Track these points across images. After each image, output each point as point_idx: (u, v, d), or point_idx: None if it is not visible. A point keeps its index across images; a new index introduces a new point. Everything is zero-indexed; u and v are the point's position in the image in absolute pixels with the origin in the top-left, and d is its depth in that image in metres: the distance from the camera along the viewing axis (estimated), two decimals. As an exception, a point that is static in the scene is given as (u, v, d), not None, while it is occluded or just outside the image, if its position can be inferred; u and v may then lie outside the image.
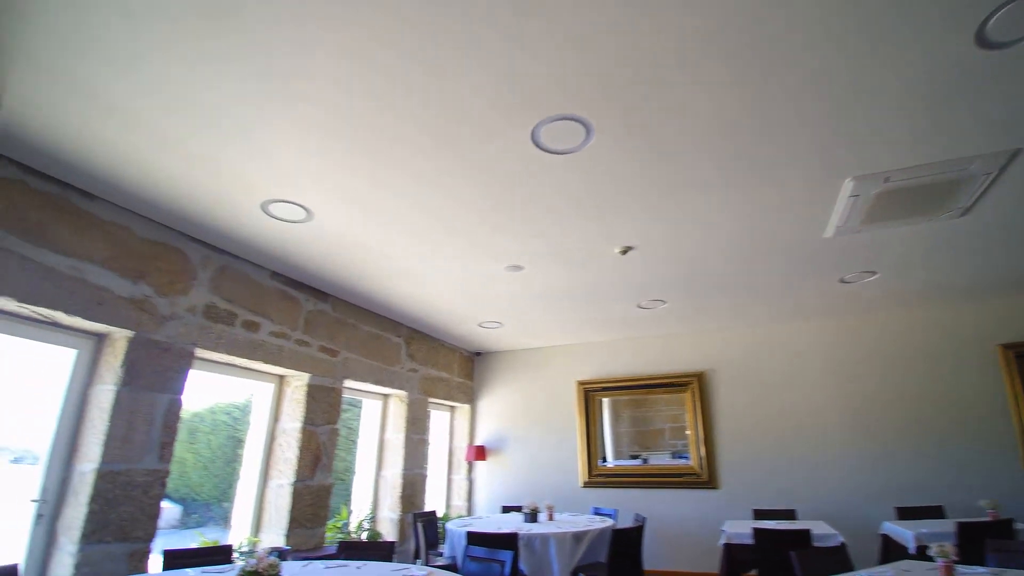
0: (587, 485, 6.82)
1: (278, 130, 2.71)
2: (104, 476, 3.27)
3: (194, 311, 3.87)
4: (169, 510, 14.60)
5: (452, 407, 7.76)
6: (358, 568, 3.00)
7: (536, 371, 7.59)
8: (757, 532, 4.05)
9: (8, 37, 2.15)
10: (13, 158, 2.94)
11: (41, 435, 3.33)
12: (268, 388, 4.85)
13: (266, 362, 4.41)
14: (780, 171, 3.10)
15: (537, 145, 2.82)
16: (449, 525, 4.97)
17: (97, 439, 3.30)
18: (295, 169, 3.06)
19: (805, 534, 3.93)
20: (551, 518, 5.20)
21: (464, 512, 7.27)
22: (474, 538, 4.15)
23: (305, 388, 4.82)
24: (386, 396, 6.36)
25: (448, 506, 7.40)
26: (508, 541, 4.07)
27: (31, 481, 3.27)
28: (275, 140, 2.79)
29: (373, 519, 5.96)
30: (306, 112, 2.57)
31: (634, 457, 6.87)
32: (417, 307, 5.66)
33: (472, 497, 7.44)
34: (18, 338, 3.25)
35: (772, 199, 3.43)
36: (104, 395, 3.39)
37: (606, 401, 7.19)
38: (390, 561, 3.40)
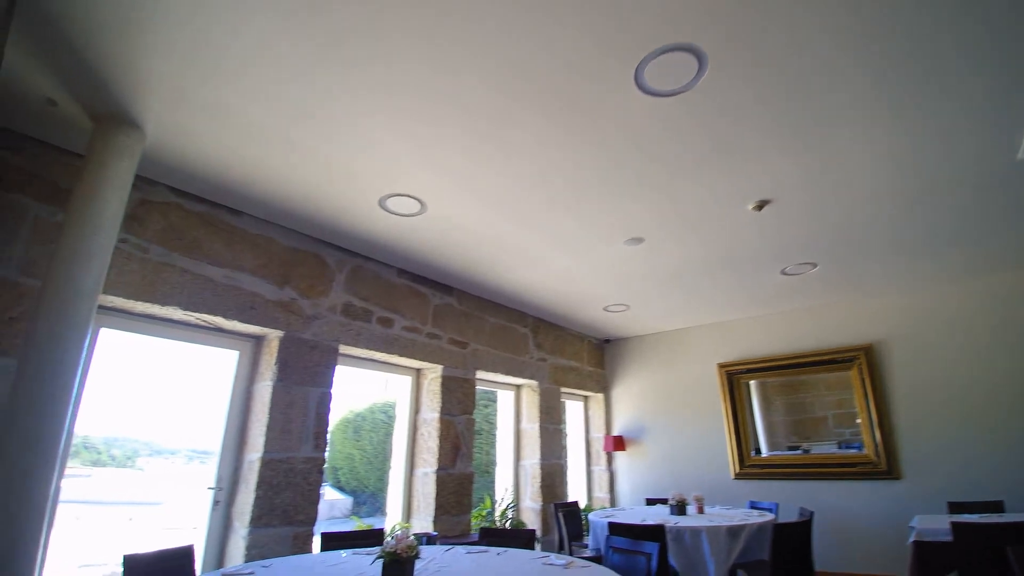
0: (740, 477, 6.24)
1: (392, 125, 2.75)
2: (267, 464, 3.59)
3: (334, 310, 4.13)
4: (341, 501, 16.14)
5: (585, 396, 7.58)
6: (498, 555, 2.95)
7: (671, 355, 7.14)
8: (957, 527, 3.35)
9: (153, 71, 2.40)
10: (167, 184, 3.33)
11: (215, 429, 3.76)
12: (407, 381, 5.06)
13: (401, 355, 4.59)
14: (949, 86, 2.50)
15: (643, 89, 2.54)
16: (592, 516, 4.80)
17: (260, 431, 3.64)
18: (408, 162, 3.10)
19: (1022, 528, 3.17)
20: (701, 511, 4.81)
21: (606, 504, 7.04)
22: (617, 529, 3.94)
23: (439, 379, 4.96)
24: (518, 386, 6.36)
25: (590, 497, 7.23)
26: (654, 533, 3.80)
27: (209, 471, 3.70)
28: (388, 135, 2.85)
29: (516, 508, 5.98)
30: (417, 103, 2.59)
31: (792, 448, 6.15)
32: (539, 295, 5.57)
33: (614, 488, 7.19)
34: (190, 344, 3.69)
35: (940, 121, 2.78)
36: (263, 391, 3.73)
37: (753, 385, 6.52)
38: (532, 549, 3.31)
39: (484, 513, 5.42)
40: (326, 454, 3.94)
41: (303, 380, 3.85)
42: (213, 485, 3.62)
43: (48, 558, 2.93)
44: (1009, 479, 4.82)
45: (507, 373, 5.77)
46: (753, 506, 5.26)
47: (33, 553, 2.28)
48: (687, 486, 6.37)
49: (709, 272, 4.99)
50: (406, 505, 4.83)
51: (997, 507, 4.47)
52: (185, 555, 2.82)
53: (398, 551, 2.27)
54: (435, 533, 4.47)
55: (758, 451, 6.30)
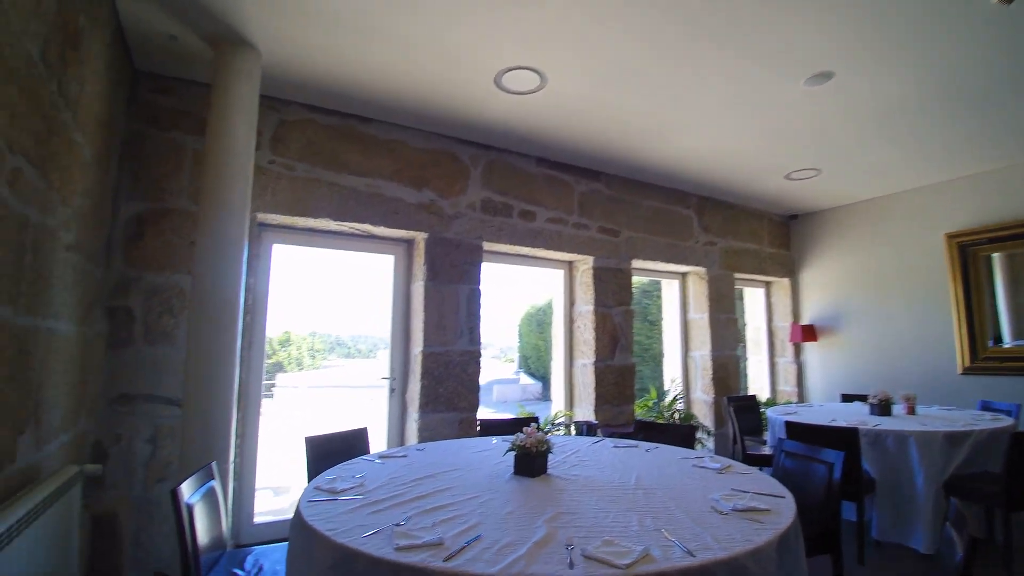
0: (969, 372, 5.07)
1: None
2: (428, 357, 3.83)
3: (474, 207, 4.08)
4: (532, 385, 17.65)
5: (767, 282, 6.73)
6: (647, 451, 2.79)
7: (878, 228, 5.85)
8: None
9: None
10: (299, 101, 3.43)
11: (386, 327, 4.09)
12: (559, 274, 4.95)
13: (548, 248, 4.45)
14: None
15: None
16: (770, 412, 4.36)
17: (419, 327, 3.87)
18: (522, 31, 2.71)
19: None
20: (911, 411, 4.05)
21: (793, 398, 6.41)
22: (796, 430, 3.49)
23: (591, 271, 4.74)
24: (683, 275, 5.86)
25: (774, 391, 6.64)
26: (845, 437, 3.28)
27: (384, 364, 4.10)
28: (498, 5, 2.48)
29: (686, 401, 5.75)
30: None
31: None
32: (703, 169, 4.85)
33: (803, 382, 6.48)
34: (351, 252, 3.97)
35: None
36: (417, 291, 3.92)
37: (997, 259, 5.06)
38: (690, 446, 3.08)
39: (650, 403, 5.30)
40: (481, 347, 4.08)
41: (451, 278, 3.94)
42: (388, 375, 4.03)
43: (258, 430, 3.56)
44: None
45: (668, 261, 5.30)
46: (986, 407, 4.27)
47: (226, 425, 2.75)
48: (899, 382, 5.42)
49: (928, 112, 3.75)
50: (568, 395, 4.91)
51: None
52: (360, 436, 3.20)
53: (527, 445, 2.23)
54: (596, 422, 4.49)
55: (998, 340, 5.01)
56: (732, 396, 5.17)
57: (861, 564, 3.20)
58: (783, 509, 1.77)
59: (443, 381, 3.87)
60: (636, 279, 5.62)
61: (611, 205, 4.92)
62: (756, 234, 6.25)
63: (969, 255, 5.16)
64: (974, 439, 3.28)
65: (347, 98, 3.43)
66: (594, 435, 4.37)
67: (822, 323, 6.30)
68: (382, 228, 3.73)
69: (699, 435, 5.26)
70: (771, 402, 6.23)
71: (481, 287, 4.10)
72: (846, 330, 6.08)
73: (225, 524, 2.29)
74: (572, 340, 4.92)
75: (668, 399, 5.31)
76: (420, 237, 3.92)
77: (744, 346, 7.19)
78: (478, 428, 3.65)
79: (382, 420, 4.02)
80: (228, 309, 2.73)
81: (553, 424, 4.45)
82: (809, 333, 6.21)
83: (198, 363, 2.69)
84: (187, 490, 1.99)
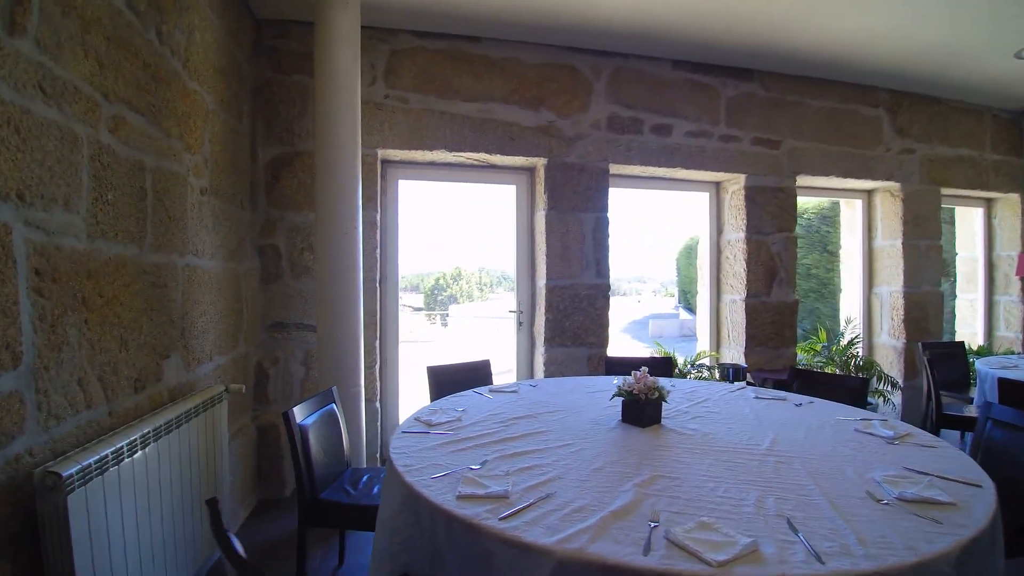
0: None
1: None
2: (552, 291, 3.64)
3: (598, 126, 3.67)
4: (690, 320, 16.85)
5: (988, 199, 5.24)
6: (797, 406, 2.33)
7: None
8: None
9: None
10: (406, 28, 3.27)
11: (512, 260, 3.96)
12: (704, 198, 4.34)
13: (687, 167, 3.87)
14: None
15: None
16: (980, 364, 3.46)
17: (542, 259, 3.67)
18: None
19: None
20: None
21: (1017, 347, 5.05)
22: (1012, 389, 2.68)
23: (742, 192, 4.06)
24: (869, 192, 4.78)
25: (990, 338, 5.30)
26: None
27: (512, 297, 4.00)
28: None
29: (866, 345, 4.85)
30: None
31: None
32: (895, 51, 3.75)
33: (1036, 326, 5.06)
34: (476, 184, 3.85)
35: None
36: (540, 221, 3.70)
37: None
38: (860, 404, 2.52)
39: (818, 347, 4.54)
40: (610, 280, 3.77)
41: (574, 206, 3.64)
42: (515, 309, 3.94)
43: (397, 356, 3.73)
44: None
45: (847, 175, 4.32)
46: None
47: (354, 350, 2.87)
48: None
49: None
50: (714, 334, 4.41)
51: None
52: (482, 367, 3.18)
53: (635, 391, 1.96)
54: (744, 366, 3.97)
55: None
56: (929, 342, 4.21)
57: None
58: (975, 505, 1.30)
59: (569, 315, 3.67)
60: (806, 200, 4.74)
61: (769, 109, 4.08)
62: (973, 136, 4.81)
63: None
64: None
65: (453, 18, 3.19)
66: (741, 380, 3.89)
67: (1073, 250, 4.77)
68: (499, 156, 3.52)
69: (883, 387, 4.42)
70: (984, 351, 4.99)
71: (608, 215, 3.74)
72: (1114, 258, 4.52)
73: (347, 444, 2.42)
74: (720, 273, 4.35)
75: (843, 343, 4.49)
76: (540, 163, 3.64)
77: (953, 281, 5.81)
78: (605, 367, 3.42)
79: (512, 353, 3.99)
80: (346, 242, 2.79)
81: (693, 366, 4.04)
82: (1051, 263, 4.75)
83: (324, 293, 2.83)
84: (300, 413, 2.11)
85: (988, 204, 5.32)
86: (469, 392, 2.58)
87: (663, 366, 3.28)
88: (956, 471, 1.52)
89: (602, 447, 1.75)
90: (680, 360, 4.07)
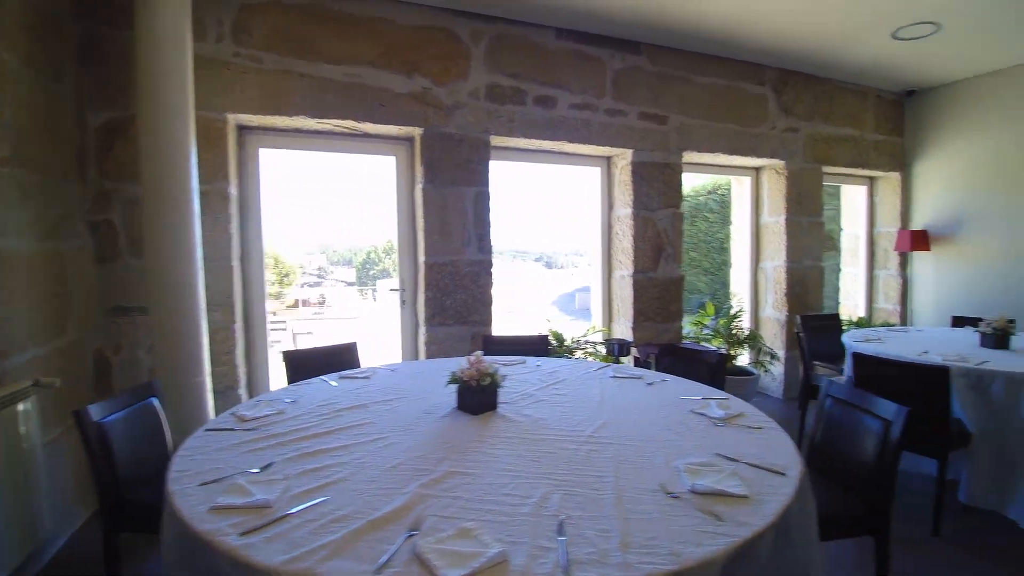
0: None
1: None
2: (432, 268, 3.48)
3: (477, 95, 3.48)
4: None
5: (870, 178, 5.51)
6: (649, 385, 2.31)
7: (1020, 105, 4.42)
8: None
9: None
10: None
11: (395, 236, 3.75)
12: (595, 172, 4.28)
13: (573, 141, 3.77)
14: None
15: None
16: (847, 338, 3.62)
17: (422, 235, 3.49)
18: None
19: None
20: (1037, 342, 3.12)
21: (895, 319, 5.39)
22: (865, 364, 2.78)
23: (629, 167, 4.02)
24: (757, 170, 4.89)
25: (870, 310, 5.64)
26: (929, 378, 2.54)
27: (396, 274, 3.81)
28: None
29: (753, 318, 5.02)
30: None
31: None
32: (780, 29, 3.79)
33: (908, 301, 5.41)
34: (344, 153, 3.57)
35: None
36: (418, 195, 3.50)
37: None
38: (719, 379, 2.54)
39: (706, 321, 4.65)
40: (492, 256, 3.65)
41: (454, 179, 3.47)
42: (397, 287, 3.75)
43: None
44: None
45: (734, 152, 4.38)
46: None
47: (195, 336, 2.62)
48: (1034, 301, 4.31)
49: None
50: (606, 310, 4.41)
51: None
52: (348, 351, 2.99)
53: (466, 378, 1.84)
54: (630, 340, 4.00)
55: None
56: (807, 315, 4.39)
57: (936, 535, 2.57)
58: (769, 498, 1.25)
59: (450, 293, 3.53)
60: (699, 177, 4.79)
61: (656, 84, 4.04)
62: (857, 117, 5.01)
63: None
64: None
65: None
66: (626, 355, 3.91)
67: (938, 229, 5.10)
68: (369, 124, 3.28)
69: (763, 358, 4.59)
70: (864, 322, 5.30)
71: (491, 189, 3.59)
72: (969, 237, 4.87)
73: (170, 440, 2.19)
74: (610, 248, 4.32)
75: (727, 317, 4.62)
76: (416, 133, 3.43)
77: (840, 256, 6.12)
78: (483, 345, 3.31)
79: (396, 333, 3.82)
80: (177, 216, 2.50)
81: (577, 343, 4.01)
82: (920, 240, 5.07)
83: (155, 274, 2.54)
84: (99, 411, 1.87)
85: (871, 182, 5.59)
86: (317, 380, 2.40)
87: (539, 344, 3.21)
88: (768, 457, 1.49)
89: (417, 440, 1.63)
90: (569, 337, 4.04)
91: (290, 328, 11.36)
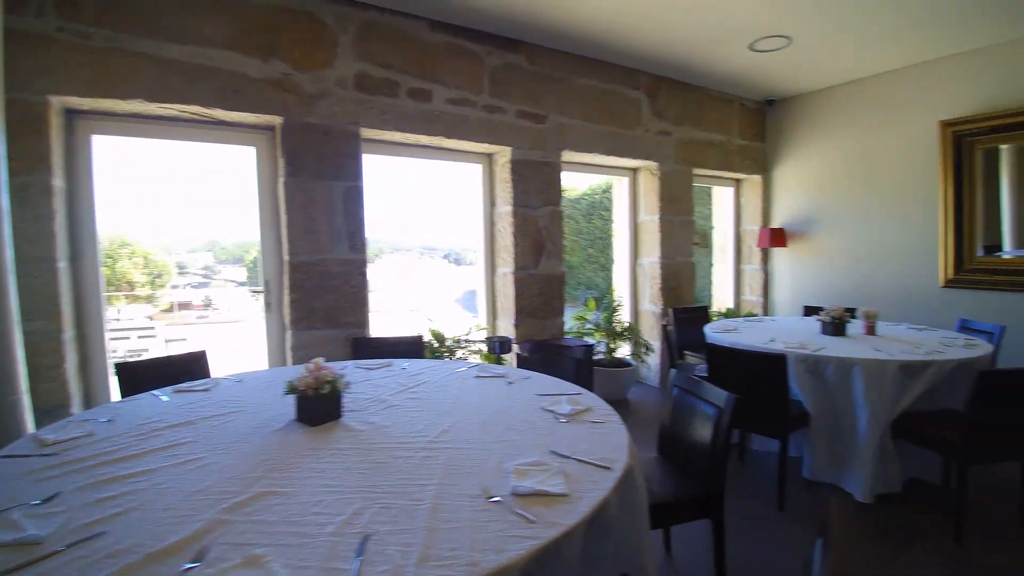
0: (951, 285, 4.47)
1: None
2: (297, 268, 3.27)
3: (344, 84, 3.32)
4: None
5: (736, 180, 5.97)
6: (509, 384, 2.30)
7: (863, 116, 5.00)
8: None
9: None
10: None
11: (257, 233, 3.48)
12: (477, 169, 4.25)
13: (450, 137, 3.71)
14: None
15: None
16: (709, 328, 3.84)
17: (284, 232, 3.28)
18: None
19: None
20: (870, 331, 3.50)
21: (759, 310, 5.88)
22: (716, 354, 2.97)
23: (509, 165, 4.03)
24: (634, 170, 5.11)
25: (738, 302, 6.11)
26: (770, 365, 2.76)
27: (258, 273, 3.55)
28: None
29: (633, 312, 5.24)
30: None
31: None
32: (653, 37, 3.97)
33: (769, 293, 5.92)
34: (196, 142, 3.26)
35: None
36: (280, 189, 3.28)
37: (1005, 152, 4.26)
38: (585, 372, 2.59)
39: (588, 316, 4.79)
40: (367, 255, 3.51)
41: (320, 173, 3.28)
42: (260, 288, 3.50)
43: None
44: None
45: (610, 153, 4.54)
46: (964, 327, 3.71)
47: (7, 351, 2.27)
48: (874, 295, 4.87)
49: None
50: (490, 307, 4.40)
51: None
52: (195, 360, 2.73)
53: (302, 387, 1.72)
54: (511, 338, 4.01)
55: (993, 249, 4.34)
56: (680, 308, 4.66)
57: (781, 510, 2.80)
58: (588, 494, 1.26)
59: (319, 295, 3.34)
60: (596, 176, 4.95)
61: (535, 83, 4.08)
62: (724, 123, 5.39)
63: (965, 147, 4.36)
64: (936, 370, 2.73)
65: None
66: (508, 352, 3.93)
67: (794, 227, 5.62)
68: (220, 111, 3.01)
69: (639, 350, 4.81)
70: (732, 313, 5.72)
71: (363, 183, 3.44)
72: (820, 235, 5.41)
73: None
74: (494, 246, 4.32)
75: (608, 311, 4.79)
76: (276, 122, 3.20)
77: (710, 252, 6.57)
78: (351, 350, 3.17)
79: (261, 339, 3.55)
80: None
81: (458, 342, 3.97)
82: (778, 237, 5.56)
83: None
84: None
85: (737, 184, 6.04)
86: (147, 394, 2.16)
87: (414, 345, 3.14)
88: (601, 451, 1.51)
89: (236, 459, 1.49)
90: (451, 336, 3.98)
91: (161, 335, 10.32)
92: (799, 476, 3.08)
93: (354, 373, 2.45)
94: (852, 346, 3.14)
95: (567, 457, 1.47)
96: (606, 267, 10.33)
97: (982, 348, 3.00)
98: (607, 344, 4.71)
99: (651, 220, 5.00)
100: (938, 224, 4.51)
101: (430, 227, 6.87)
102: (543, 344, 3.09)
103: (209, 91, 2.92)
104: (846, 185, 5.17)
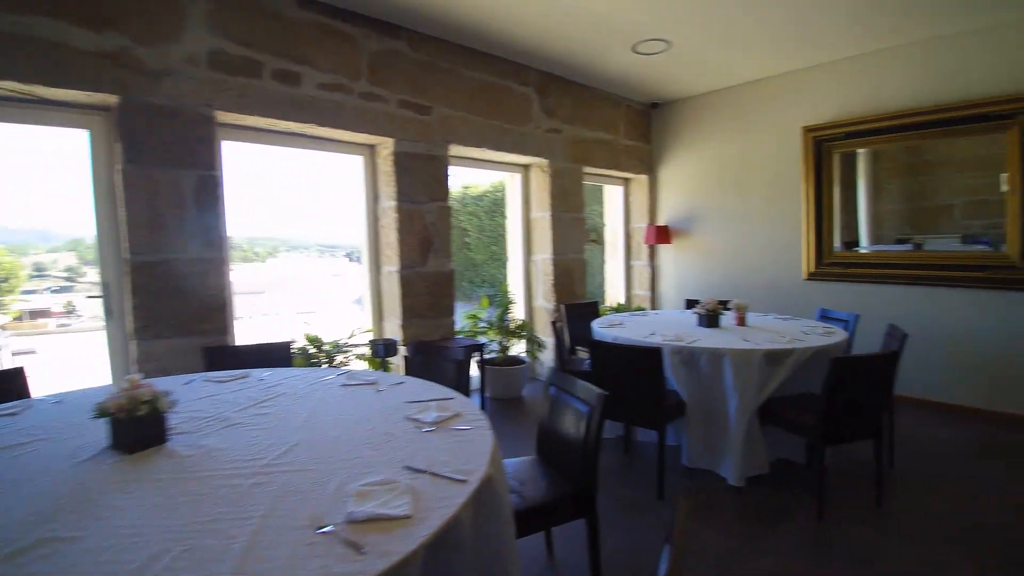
0: (813, 277, 4.89)
1: None
2: (140, 268, 2.87)
3: (195, 61, 2.95)
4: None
5: (625, 179, 6.16)
6: (379, 392, 2.13)
7: (736, 120, 5.34)
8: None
9: None
10: None
11: (88, 223, 3.02)
12: (357, 161, 4.00)
13: (322, 125, 3.44)
14: None
15: None
16: (596, 323, 3.88)
17: (123, 227, 2.86)
18: None
19: None
20: (741, 322, 3.70)
21: (647, 304, 6.12)
22: (599, 350, 2.98)
23: (392, 157, 3.83)
24: (525, 167, 5.10)
25: (628, 297, 6.32)
26: (646, 358, 2.80)
27: (93, 273, 3.08)
28: None
29: (528, 309, 5.23)
30: None
31: (901, 242, 4.57)
32: (540, 33, 3.93)
33: (656, 287, 6.18)
34: (14, 124, 2.75)
35: None
36: (116, 177, 2.85)
37: (862, 159, 4.72)
38: (461, 378, 2.47)
39: (481, 315, 4.70)
40: (228, 253, 3.17)
41: (167, 160, 2.90)
42: (99, 293, 3.03)
43: None
44: None
45: (499, 148, 4.48)
46: (824, 317, 4.03)
47: None
48: (748, 287, 5.20)
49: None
50: (376, 307, 4.17)
51: None
52: (11, 377, 2.30)
53: (113, 408, 1.46)
54: (396, 340, 3.82)
55: (851, 245, 4.79)
56: (570, 304, 4.69)
57: (660, 499, 2.86)
58: (436, 512, 1.14)
59: (167, 299, 2.95)
60: (499, 173, 4.86)
61: (419, 73, 3.91)
62: (611, 123, 5.53)
63: (825, 151, 4.78)
64: (796, 358, 2.91)
65: None
66: (393, 355, 3.73)
67: (677, 224, 5.90)
68: (41, 88, 2.55)
69: (532, 347, 4.80)
70: (622, 307, 5.90)
71: (221, 173, 3.10)
72: (700, 232, 5.72)
73: None
74: (378, 243, 4.10)
75: (501, 308, 4.73)
76: (112, 101, 2.78)
77: (603, 249, 6.76)
78: (204, 361, 2.82)
79: (103, 350, 3.09)
80: None
81: (338, 347, 3.71)
82: (663, 235, 5.81)
83: None
84: None
85: (626, 182, 6.24)
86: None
87: (282, 352, 2.86)
88: (460, 462, 1.40)
89: (20, 499, 1.22)
90: (329, 341, 3.72)
91: (7, 347, 8.93)
92: (680, 464, 3.18)
93: (200, 387, 2.16)
94: (723, 337, 3.28)
95: (421, 472, 1.35)
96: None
97: (839, 335, 3.25)
98: (500, 342, 4.65)
99: (543, 217, 5.00)
100: (801, 222, 4.91)
101: (325, 224, 6.41)
102: (427, 345, 2.94)
103: (28, 65, 2.46)
104: (722, 185, 5.50)
